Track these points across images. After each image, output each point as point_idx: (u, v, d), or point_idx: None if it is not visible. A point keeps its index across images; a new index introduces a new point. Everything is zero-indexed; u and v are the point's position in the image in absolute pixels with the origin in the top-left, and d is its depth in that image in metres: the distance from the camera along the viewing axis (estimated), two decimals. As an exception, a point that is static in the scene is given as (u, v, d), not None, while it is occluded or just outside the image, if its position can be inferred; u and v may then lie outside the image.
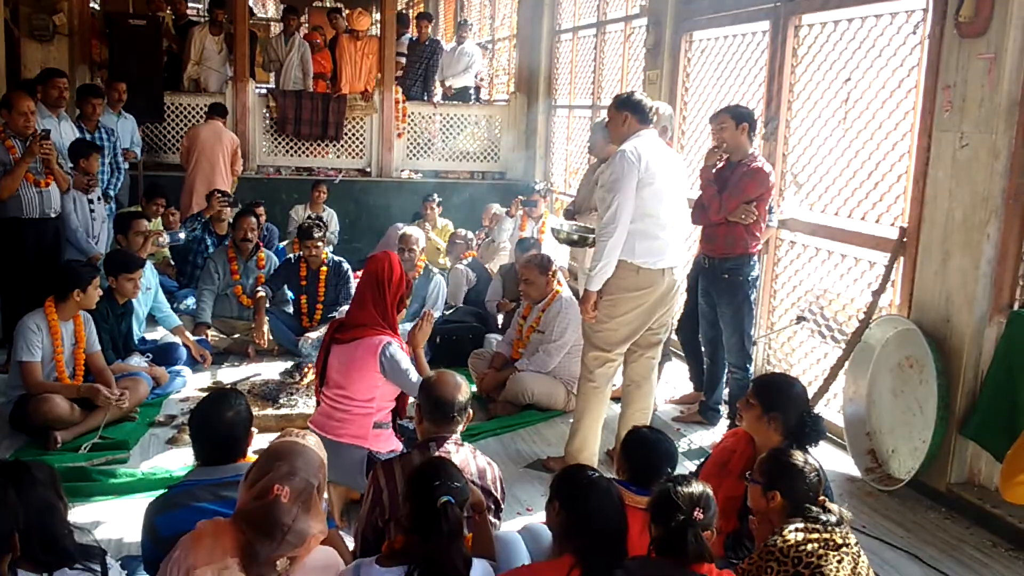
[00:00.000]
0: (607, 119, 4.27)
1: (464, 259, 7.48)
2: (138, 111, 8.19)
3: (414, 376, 3.72)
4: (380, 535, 2.74)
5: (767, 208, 4.79)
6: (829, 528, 2.52)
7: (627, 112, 4.11)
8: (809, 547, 2.47)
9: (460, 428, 3.00)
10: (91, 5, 9.37)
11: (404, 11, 14.50)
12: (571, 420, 4.46)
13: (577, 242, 5.07)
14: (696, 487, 2.43)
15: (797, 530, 2.51)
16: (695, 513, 2.33)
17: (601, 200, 4.06)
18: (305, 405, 4.79)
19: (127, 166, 7.51)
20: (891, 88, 4.64)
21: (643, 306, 4.07)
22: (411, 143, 10.07)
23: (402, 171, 9.94)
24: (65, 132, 6.16)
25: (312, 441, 2.41)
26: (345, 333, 3.83)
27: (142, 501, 3.13)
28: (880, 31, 4.69)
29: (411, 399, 3.85)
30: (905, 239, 4.36)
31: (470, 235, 7.97)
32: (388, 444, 3.77)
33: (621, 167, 3.94)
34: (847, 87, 4.97)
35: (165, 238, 6.34)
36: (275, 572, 2.17)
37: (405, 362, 3.75)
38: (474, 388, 5.43)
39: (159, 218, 7.57)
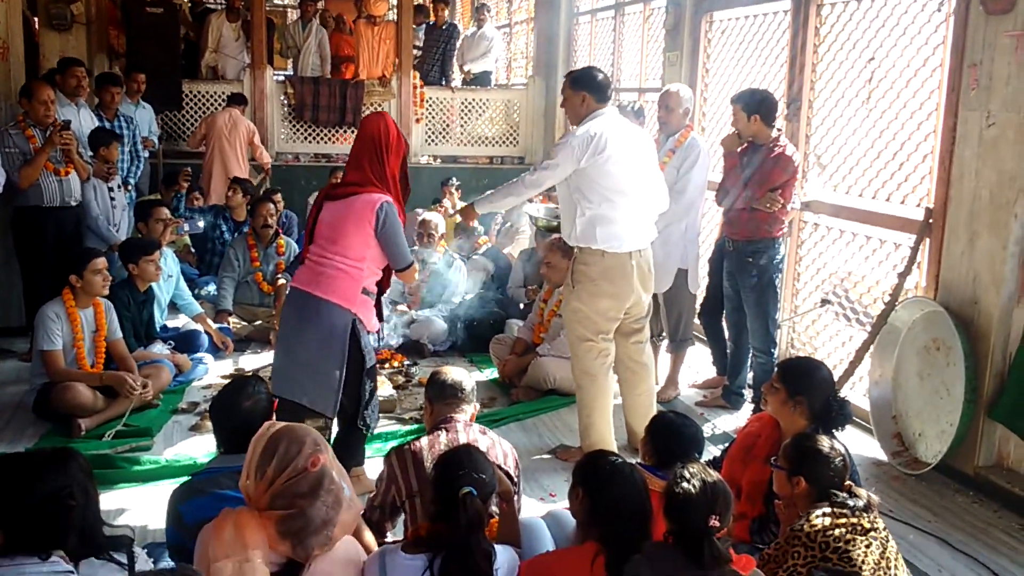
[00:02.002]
0: (563, 98, 4.09)
1: (479, 248, 7.41)
2: (156, 99, 8.20)
3: (403, 244, 3.64)
4: (395, 511, 2.84)
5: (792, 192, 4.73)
6: (857, 513, 2.49)
7: (584, 91, 3.93)
8: (836, 532, 2.45)
9: (472, 412, 3.00)
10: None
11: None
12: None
13: (555, 228, 4.95)
14: (710, 483, 2.29)
15: (824, 515, 2.49)
16: (711, 521, 2.23)
17: (546, 154, 3.95)
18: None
19: (146, 154, 7.54)
20: (916, 67, 4.55)
21: (618, 291, 4.00)
22: (429, 128, 10.04)
23: (421, 157, 9.92)
24: (84, 121, 6.17)
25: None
26: (341, 189, 3.65)
27: (166, 488, 3.17)
28: (904, 9, 4.60)
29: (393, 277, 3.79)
30: (931, 220, 4.29)
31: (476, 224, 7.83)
32: (372, 315, 3.68)
33: (578, 141, 3.83)
34: (871, 67, 4.88)
35: (186, 227, 6.35)
36: (325, 537, 2.18)
37: (399, 227, 3.61)
38: (496, 374, 5.44)
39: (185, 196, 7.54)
